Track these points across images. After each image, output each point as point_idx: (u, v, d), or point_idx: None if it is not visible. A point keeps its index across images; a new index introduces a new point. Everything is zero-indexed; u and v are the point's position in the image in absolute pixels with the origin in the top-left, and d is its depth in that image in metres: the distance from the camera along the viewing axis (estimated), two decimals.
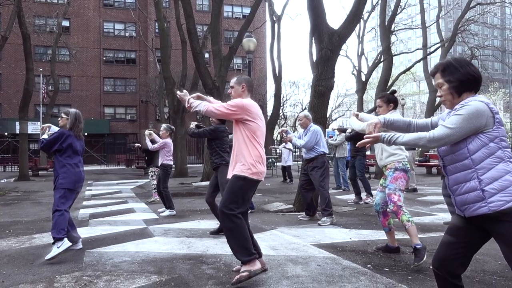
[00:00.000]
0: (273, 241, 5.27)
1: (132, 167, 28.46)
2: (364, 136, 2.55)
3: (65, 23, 32.86)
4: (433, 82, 2.56)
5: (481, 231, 2.33)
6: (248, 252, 3.60)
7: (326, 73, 7.99)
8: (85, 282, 3.73)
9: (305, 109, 39.22)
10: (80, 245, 5.00)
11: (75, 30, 36.72)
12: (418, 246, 4.07)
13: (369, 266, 4.12)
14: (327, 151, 7.07)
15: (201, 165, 22.19)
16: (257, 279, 3.65)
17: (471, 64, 2.47)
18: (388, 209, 4.49)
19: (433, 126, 2.61)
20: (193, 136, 6.02)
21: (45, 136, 4.87)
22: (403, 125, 2.75)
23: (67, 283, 3.71)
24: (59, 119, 5.03)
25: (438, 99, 27.07)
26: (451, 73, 2.40)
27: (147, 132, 8.79)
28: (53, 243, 4.53)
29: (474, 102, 2.27)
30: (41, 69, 28.28)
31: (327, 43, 7.87)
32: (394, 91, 5.25)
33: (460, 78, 2.37)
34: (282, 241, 5.27)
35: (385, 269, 4.02)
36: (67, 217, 4.74)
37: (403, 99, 31.09)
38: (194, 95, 4.13)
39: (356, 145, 2.73)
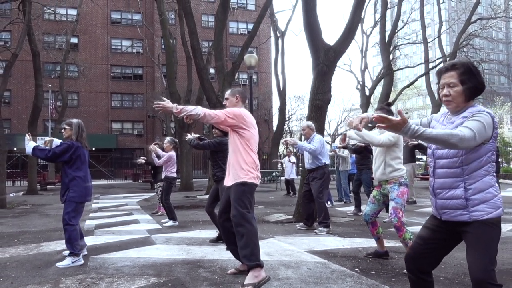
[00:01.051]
0: (269, 248, 5.51)
1: (139, 181, 28.80)
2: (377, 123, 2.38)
3: (74, 40, 33.65)
4: (442, 79, 2.48)
5: (454, 235, 2.46)
6: (256, 258, 3.75)
7: (322, 87, 8.27)
8: (88, 283, 3.98)
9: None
10: (85, 252, 5.25)
11: (83, 47, 37.50)
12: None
13: (356, 269, 4.34)
14: (328, 162, 7.30)
15: (207, 179, 22.47)
16: None
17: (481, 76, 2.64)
18: (390, 221, 4.60)
19: (423, 126, 2.68)
20: (197, 147, 6.08)
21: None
22: None
23: (71, 284, 3.97)
24: (63, 131, 5.12)
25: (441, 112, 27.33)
26: (470, 77, 2.39)
27: (151, 147, 8.98)
28: (69, 255, 4.78)
29: (487, 113, 2.30)
30: (50, 85, 28.90)
31: (323, 58, 8.18)
32: (390, 103, 5.51)
33: (476, 85, 2.39)
34: (277, 248, 5.50)
35: (371, 272, 4.24)
36: (78, 230, 4.98)
37: (406, 113, 31.29)
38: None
39: (376, 127, 2.73)
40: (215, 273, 4.31)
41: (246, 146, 4.01)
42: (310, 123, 7.44)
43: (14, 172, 28.28)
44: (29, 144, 4.87)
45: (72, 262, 4.70)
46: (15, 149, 30.97)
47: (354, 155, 11.63)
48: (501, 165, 11.91)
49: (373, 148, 4.94)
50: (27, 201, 14.46)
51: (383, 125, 2.26)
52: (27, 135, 5.17)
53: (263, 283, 3.69)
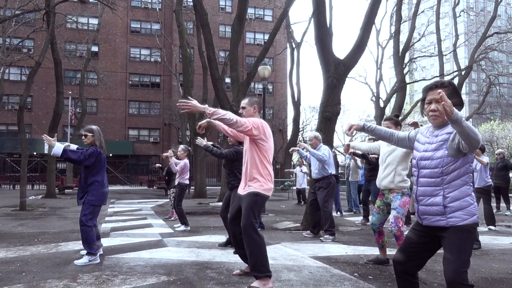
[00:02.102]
0: (275, 253, 5.76)
1: (154, 187, 29.29)
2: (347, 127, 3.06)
3: (94, 48, 34.55)
4: (430, 95, 2.68)
5: (435, 239, 2.69)
6: (265, 269, 3.93)
7: (332, 99, 8.53)
8: (103, 279, 4.29)
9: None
10: (101, 252, 5.56)
11: (103, 55, 38.44)
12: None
13: (355, 274, 4.56)
14: (334, 172, 7.53)
15: (220, 187, 22.77)
16: (252, 281, 4.12)
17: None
18: (389, 230, 4.82)
19: (410, 139, 2.98)
20: (217, 155, 6.12)
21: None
22: (385, 134, 3.12)
23: (88, 279, 4.28)
24: (83, 137, 5.34)
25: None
26: (457, 96, 2.65)
27: (169, 153, 9.27)
28: (86, 254, 5.10)
29: None
30: (70, 92, 29.71)
31: (333, 72, 8.44)
32: (398, 115, 5.78)
33: (458, 103, 2.62)
34: (282, 253, 5.76)
35: (369, 277, 4.47)
36: (95, 231, 5.29)
37: (421, 125, 31.20)
38: (204, 121, 4.41)
39: (346, 130, 3.09)
40: (222, 273, 4.58)
41: (264, 158, 4.12)
42: (317, 134, 7.67)
43: (33, 176, 29.03)
44: (58, 145, 4.96)
45: (89, 261, 5.02)
46: (34, 153, 31.77)
47: (363, 166, 11.82)
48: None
49: (381, 156, 5.10)
50: (45, 204, 14.94)
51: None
52: (44, 136, 5.38)
53: None
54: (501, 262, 5.38)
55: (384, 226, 5.09)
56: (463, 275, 2.45)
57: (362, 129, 3.10)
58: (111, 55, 38.83)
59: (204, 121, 4.39)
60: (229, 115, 3.82)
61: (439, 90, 2.50)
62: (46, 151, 29.17)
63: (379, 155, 5.16)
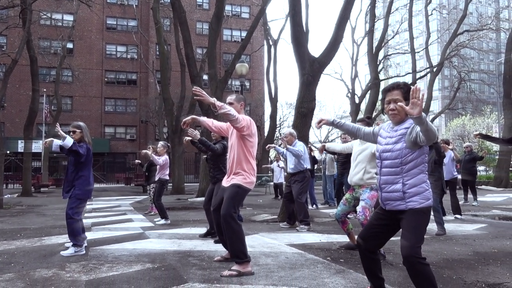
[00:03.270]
0: (253, 241, 6.05)
1: (132, 185, 29.19)
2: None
3: (69, 45, 34.07)
4: (388, 96, 3.02)
5: (395, 222, 3.03)
6: (244, 255, 4.23)
7: (308, 96, 8.87)
8: (91, 267, 4.51)
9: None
10: (85, 244, 5.74)
11: (79, 52, 37.96)
12: (381, 251, 4.85)
13: (328, 258, 4.90)
14: (309, 167, 7.87)
15: (198, 184, 22.94)
16: (233, 265, 4.40)
17: None
18: (357, 219, 5.15)
19: (374, 134, 3.32)
20: (210, 148, 6.12)
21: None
22: (352, 129, 3.49)
23: (75, 268, 4.49)
24: (71, 133, 5.45)
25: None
26: (409, 95, 2.82)
27: (150, 150, 9.54)
28: (72, 246, 5.29)
29: None
30: (44, 90, 29.26)
31: (309, 69, 8.78)
32: (370, 117, 6.16)
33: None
34: (260, 242, 6.06)
35: (340, 260, 4.81)
36: (80, 224, 5.47)
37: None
38: (189, 117, 4.54)
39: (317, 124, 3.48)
40: (203, 260, 4.85)
41: (249, 153, 4.42)
42: (292, 131, 8.00)
43: (7, 174, 28.54)
44: (68, 138, 5.10)
45: (75, 252, 5.21)
46: (8, 152, 31.21)
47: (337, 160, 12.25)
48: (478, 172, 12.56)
49: (353, 155, 5.46)
50: (22, 202, 14.86)
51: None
52: (57, 125, 5.48)
53: (247, 274, 4.16)
54: (462, 245, 5.81)
55: (351, 216, 5.44)
56: (417, 249, 2.79)
57: (332, 124, 3.44)
58: (87, 52, 38.38)
59: (189, 117, 4.56)
60: (232, 111, 4.12)
61: (396, 92, 2.95)
62: (20, 150, 28.79)
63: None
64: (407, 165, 2.94)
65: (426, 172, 3.00)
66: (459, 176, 11.89)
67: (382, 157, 3.08)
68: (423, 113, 2.61)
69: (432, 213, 6.94)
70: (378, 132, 3.25)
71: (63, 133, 5.17)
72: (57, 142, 5.56)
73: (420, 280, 2.76)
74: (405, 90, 2.99)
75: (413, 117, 2.64)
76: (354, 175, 5.23)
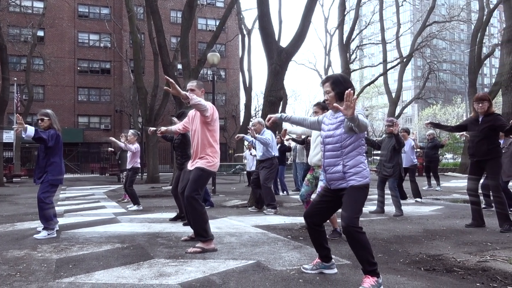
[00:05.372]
0: (220, 224, 6.35)
1: (106, 174, 29.11)
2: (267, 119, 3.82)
3: (40, 33, 33.39)
4: (323, 88, 3.42)
5: (337, 199, 3.36)
6: (207, 234, 4.50)
7: (276, 85, 9.16)
8: (62, 248, 4.73)
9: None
10: (57, 228, 5.93)
11: (50, 40, 37.21)
12: (338, 230, 5.21)
13: (289, 236, 5.25)
14: (277, 154, 8.19)
15: (173, 173, 23.05)
16: None
17: (350, 82, 3.58)
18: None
19: (319, 123, 3.65)
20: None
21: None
22: (299, 120, 3.84)
23: (47, 249, 4.70)
24: (40, 122, 5.57)
25: (397, 110, 28.32)
26: (337, 85, 3.32)
27: (123, 137, 9.76)
28: (43, 229, 5.46)
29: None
30: (15, 78, 28.73)
31: (277, 59, 9.06)
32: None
33: (342, 90, 3.15)
34: (227, 224, 6.36)
35: (300, 238, 5.16)
36: (52, 209, 5.63)
37: (366, 110, 32.71)
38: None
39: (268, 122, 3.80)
40: (171, 240, 5.13)
41: (212, 137, 4.68)
42: (260, 119, 8.29)
43: None
44: (29, 128, 5.13)
45: (48, 234, 5.40)
46: None
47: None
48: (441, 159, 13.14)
49: (312, 136, 5.78)
50: None
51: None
52: (17, 116, 5.55)
53: (210, 251, 4.45)
54: (415, 224, 6.24)
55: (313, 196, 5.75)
56: (354, 220, 3.13)
57: (280, 119, 3.80)
58: (58, 40, 37.65)
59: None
60: (203, 101, 4.39)
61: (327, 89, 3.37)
62: None
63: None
64: (346, 148, 3.27)
65: (364, 154, 3.35)
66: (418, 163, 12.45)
67: (325, 142, 3.42)
68: (355, 113, 2.93)
69: (390, 197, 7.41)
70: (322, 120, 3.58)
71: (24, 124, 5.17)
72: (30, 128, 5.65)
73: (357, 246, 3.11)
74: (331, 82, 3.37)
75: (347, 117, 2.97)
76: (313, 156, 5.55)
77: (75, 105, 38.23)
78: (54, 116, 5.67)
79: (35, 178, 5.63)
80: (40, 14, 28.08)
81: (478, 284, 3.30)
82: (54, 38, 37.47)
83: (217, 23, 41.23)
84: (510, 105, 13.30)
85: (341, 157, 3.28)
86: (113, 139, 9.43)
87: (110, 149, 11.98)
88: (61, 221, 6.95)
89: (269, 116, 3.80)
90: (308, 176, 5.72)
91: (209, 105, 4.58)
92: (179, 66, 21.67)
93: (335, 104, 3.18)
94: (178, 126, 5.36)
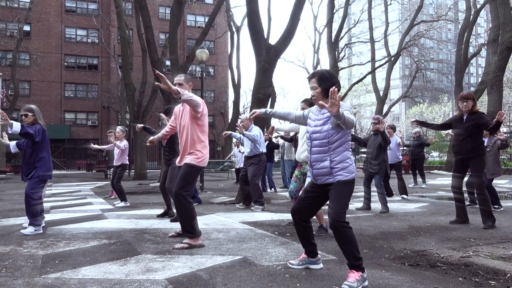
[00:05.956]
0: (208, 220, 6.37)
1: (93, 171, 28.87)
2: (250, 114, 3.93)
3: (26, 28, 32.97)
4: (310, 84, 3.42)
5: (324, 194, 3.40)
6: (195, 230, 4.50)
7: (264, 82, 9.18)
8: (48, 244, 4.71)
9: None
10: (43, 224, 5.89)
11: (36, 35, 36.76)
12: (324, 226, 5.26)
13: (276, 233, 5.29)
14: (265, 151, 8.21)
15: (160, 170, 22.95)
16: None
17: (336, 77, 3.62)
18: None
19: (304, 117, 3.66)
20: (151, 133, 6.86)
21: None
22: (284, 114, 3.88)
23: (33, 244, 4.68)
24: (24, 117, 5.49)
25: (385, 108, 28.54)
26: (324, 81, 3.32)
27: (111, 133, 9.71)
28: (29, 225, 5.42)
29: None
30: (0, 74, 28.34)
31: (265, 56, 9.08)
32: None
33: (329, 86, 3.17)
34: (215, 220, 6.38)
35: (287, 234, 5.20)
36: (40, 205, 5.58)
37: (354, 108, 32.93)
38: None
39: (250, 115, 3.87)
40: (158, 236, 5.13)
41: (202, 132, 4.67)
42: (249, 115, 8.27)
43: None
44: (15, 124, 5.08)
45: (35, 230, 5.37)
46: None
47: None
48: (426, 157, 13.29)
49: (300, 133, 5.82)
50: None
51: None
52: (2, 113, 5.40)
53: (197, 247, 4.47)
54: (401, 221, 6.32)
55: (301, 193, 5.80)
56: (341, 214, 3.17)
57: (265, 114, 3.83)
58: (45, 35, 37.22)
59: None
60: (195, 97, 4.38)
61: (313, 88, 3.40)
62: None
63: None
64: (333, 144, 3.30)
65: (350, 150, 3.39)
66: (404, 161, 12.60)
67: (312, 138, 3.43)
68: (340, 111, 2.95)
69: (376, 194, 7.49)
70: (308, 115, 3.59)
71: (9, 120, 5.14)
72: (16, 124, 5.58)
73: (343, 241, 3.15)
74: (316, 78, 3.39)
75: (332, 114, 3.00)
76: (301, 153, 5.58)
77: (61, 101, 37.85)
78: (38, 112, 5.60)
79: (23, 175, 5.56)
80: (26, 8, 27.70)
81: (460, 279, 3.36)
82: (41, 33, 37.04)
83: (206, 20, 41.17)
84: (495, 103, 13.52)
85: (328, 152, 3.31)
86: (96, 146, 9.41)
87: (92, 145, 11.87)
88: (47, 217, 6.90)
89: (253, 110, 3.82)
90: (296, 172, 5.76)
91: (200, 100, 4.59)
92: (168, 63, 21.59)
93: (320, 102, 3.21)
94: (164, 130, 5.28)
